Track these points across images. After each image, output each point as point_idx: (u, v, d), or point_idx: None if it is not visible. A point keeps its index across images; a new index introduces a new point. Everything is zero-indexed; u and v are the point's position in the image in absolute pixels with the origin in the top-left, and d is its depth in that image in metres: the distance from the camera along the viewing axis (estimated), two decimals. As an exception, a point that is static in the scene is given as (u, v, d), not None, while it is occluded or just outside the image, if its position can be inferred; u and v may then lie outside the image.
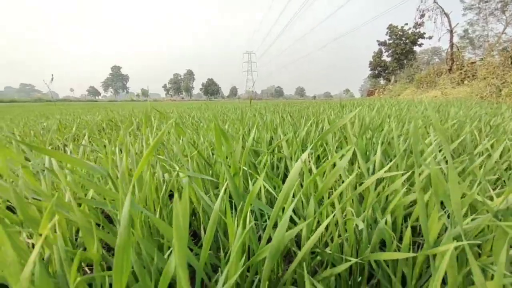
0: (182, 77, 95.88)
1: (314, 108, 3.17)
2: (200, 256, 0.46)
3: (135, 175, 0.44)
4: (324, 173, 0.77)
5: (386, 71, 33.15)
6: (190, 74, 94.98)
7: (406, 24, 31.17)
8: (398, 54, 31.63)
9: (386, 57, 33.51)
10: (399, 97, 15.06)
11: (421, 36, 30.45)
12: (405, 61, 31.53)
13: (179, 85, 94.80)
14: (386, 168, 0.60)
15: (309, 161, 0.87)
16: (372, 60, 34.17)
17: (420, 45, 31.48)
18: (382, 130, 1.30)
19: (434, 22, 18.03)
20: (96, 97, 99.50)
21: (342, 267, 0.47)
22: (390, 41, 32.23)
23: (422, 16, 20.20)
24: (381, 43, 32.92)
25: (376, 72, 34.02)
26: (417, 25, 29.58)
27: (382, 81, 33.42)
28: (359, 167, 0.79)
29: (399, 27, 31.52)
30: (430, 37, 29.32)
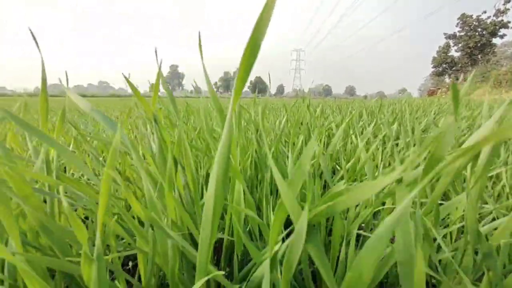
0: (232, 75, 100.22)
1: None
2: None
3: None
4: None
5: (453, 68, 29.35)
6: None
7: (484, 12, 27.06)
8: (471, 48, 27.70)
9: (454, 52, 29.68)
10: (467, 98, 13.40)
11: (504, 25, 26.08)
12: (479, 56, 27.47)
13: (229, 83, 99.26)
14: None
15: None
16: (436, 56, 30.62)
17: (502, 36, 27.00)
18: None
19: (522, 9, 15.40)
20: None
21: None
22: (462, 33, 28.39)
23: (508, 1, 17.28)
24: (449, 36, 29.23)
25: (440, 69, 30.39)
26: (499, 12, 25.45)
27: (447, 80, 29.71)
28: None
29: (474, 17, 27.52)
30: (516, 27, 24.97)
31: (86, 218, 0.76)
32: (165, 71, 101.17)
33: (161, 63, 0.52)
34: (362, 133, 1.45)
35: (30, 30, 0.40)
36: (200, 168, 0.85)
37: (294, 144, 1.05)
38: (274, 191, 0.79)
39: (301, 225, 0.20)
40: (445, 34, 29.60)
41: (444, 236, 0.67)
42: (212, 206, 0.22)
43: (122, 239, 0.66)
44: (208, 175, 0.83)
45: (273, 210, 0.54)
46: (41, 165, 0.55)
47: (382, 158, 0.98)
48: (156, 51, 0.54)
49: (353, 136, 0.94)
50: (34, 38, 0.44)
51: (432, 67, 31.36)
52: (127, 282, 0.60)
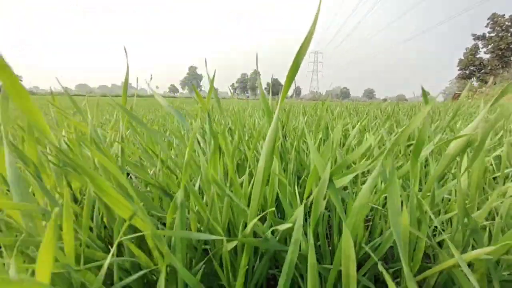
0: (248, 76, 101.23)
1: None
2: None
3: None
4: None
5: (482, 71, 27.85)
6: (256, 74, 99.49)
7: (518, 12, 25.45)
8: (503, 50, 26.16)
9: (483, 54, 28.16)
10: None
11: (540, 26, 24.44)
12: None
13: (246, 84, 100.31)
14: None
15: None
16: (463, 58, 29.19)
17: (537, 37, 25.29)
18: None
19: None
20: (175, 94, 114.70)
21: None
22: (492, 34, 26.90)
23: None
24: (478, 37, 27.78)
25: (468, 72, 28.92)
26: (535, 12, 23.90)
27: (475, 83, 28.22)
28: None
29: (507, 16, 25.99)
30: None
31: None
32: (184, 72, 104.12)
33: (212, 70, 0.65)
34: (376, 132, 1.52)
35: (125, 48, 0.56)
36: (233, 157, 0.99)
37: (314, 142, 1.16)
38: (295, 181, 0.90)
39: (325, 175, 0.31)
40: (473, 35, 28.18)
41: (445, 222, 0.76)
42: (263, 167, 0.35)
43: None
44: (238, 164, 0.97)
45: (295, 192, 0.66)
46: (116, 152, 0.70)
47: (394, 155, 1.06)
48: (206, 62, 0.68)
49: (367, 134, 1.04)
50: (126, 52, 0.59)
51: (458, 70, 29.93)
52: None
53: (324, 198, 0.44)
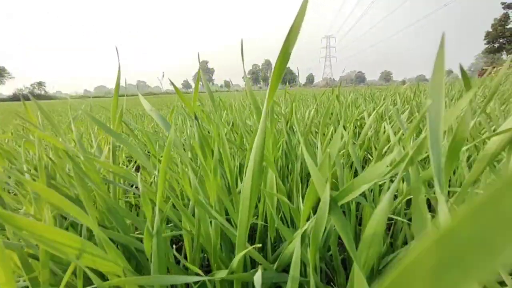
0: (260, 67, 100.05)
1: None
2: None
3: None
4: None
5: (514, 42, 25.48)
6: (268, 64, 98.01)
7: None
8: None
9: (515, 24, 25.67)
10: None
11: None
12: (548, 27, 23.45)
13: (257, 75, 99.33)
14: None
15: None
16: (491, 30, 26.79)
17: None
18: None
19: None
20: (189, 90, 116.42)
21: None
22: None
23: None
24: (509, 6, 25.31)
25: (497, 45, 26.55)
26: None
27: (504, 57, 25.87)
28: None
29: (542, -20, 23.35)
30: None
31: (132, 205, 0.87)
32: (196, 67, 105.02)
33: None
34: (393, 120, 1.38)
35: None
36: (234, 159, 0.91)
37: (324, 134, 1.05)
38: (305, 181, 0.82)
39: (325, 197, 0.23)
40: (502, 3, 25.69)
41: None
42: (249, 189, 0.27)
43: (168, 223, 0.75)
44: (241, 165, 0.89)
45: (303, 198, 0.57)
46: (106, 160, 0.65)
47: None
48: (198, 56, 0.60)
49: (385, 124, 0.92)
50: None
51: (485, 43, 27.61)
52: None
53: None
